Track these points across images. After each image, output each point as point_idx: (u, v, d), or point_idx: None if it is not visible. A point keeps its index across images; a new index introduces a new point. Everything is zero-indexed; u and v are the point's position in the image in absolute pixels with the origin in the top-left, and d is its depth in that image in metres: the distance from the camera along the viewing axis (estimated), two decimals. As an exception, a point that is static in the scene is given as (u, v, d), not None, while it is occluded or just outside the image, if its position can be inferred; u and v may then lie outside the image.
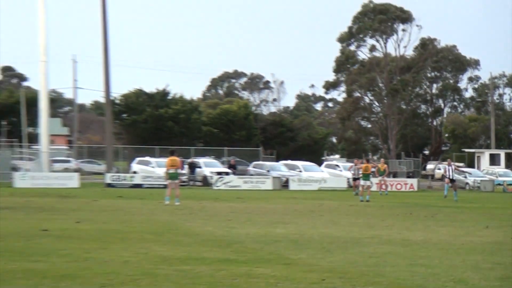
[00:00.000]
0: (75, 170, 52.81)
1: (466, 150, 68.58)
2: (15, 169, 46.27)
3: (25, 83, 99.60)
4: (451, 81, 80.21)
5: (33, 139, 59.68)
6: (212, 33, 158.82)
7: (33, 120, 61.49)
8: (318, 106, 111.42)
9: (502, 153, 63.19)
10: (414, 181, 50.64)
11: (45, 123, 47.58)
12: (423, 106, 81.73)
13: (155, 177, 45.87)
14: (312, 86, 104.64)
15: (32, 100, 60.91)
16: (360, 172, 34.26)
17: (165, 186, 33.23)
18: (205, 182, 48.13)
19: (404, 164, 66.63)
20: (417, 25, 73.34)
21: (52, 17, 54.93)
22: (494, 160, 58.61)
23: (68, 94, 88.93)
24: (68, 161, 60.80)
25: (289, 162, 54.16)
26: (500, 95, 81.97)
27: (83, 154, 65.76)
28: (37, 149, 49.11)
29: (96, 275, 10.55)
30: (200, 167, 49.89)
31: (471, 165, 60.43)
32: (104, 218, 21.51)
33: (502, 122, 77.65)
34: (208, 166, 50.36)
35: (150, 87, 72.84)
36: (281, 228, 18.99)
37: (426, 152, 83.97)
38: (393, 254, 13.63)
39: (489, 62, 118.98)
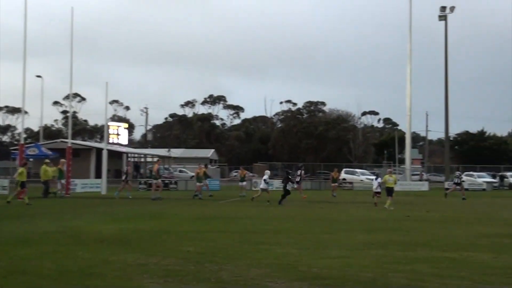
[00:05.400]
0: (425, 180, 71.93)
1: None
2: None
3: (397, 128, 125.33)
4: None
5: (402, 161, 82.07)
6: None
7: (401, 150, 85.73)
8: None
9: None
10: None
11: (408, 152, 65.93)
12: None
13: (476, 184, 61.23)
14: None
15: (401, 138, 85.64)
16: None
17: (483, 190, 52.08)
18: (510, 187, 64.39)
19: None
20: None
21: (414, 86, 70.88)
22: None
23: (422, 134, 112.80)
24: (419, 174, 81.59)
25: None
26: None
27: (430, 170, 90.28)
28: (403, 167, 66.76)
29: (439, 244, 14.01)
30: (507, 178, 66.93)
31: None
32: (443, 209, 28.53)
33: None
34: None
35: (472, 129, 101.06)
36: None
37: None
38: None
39: None
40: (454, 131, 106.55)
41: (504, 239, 15.33)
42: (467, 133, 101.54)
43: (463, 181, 44.06)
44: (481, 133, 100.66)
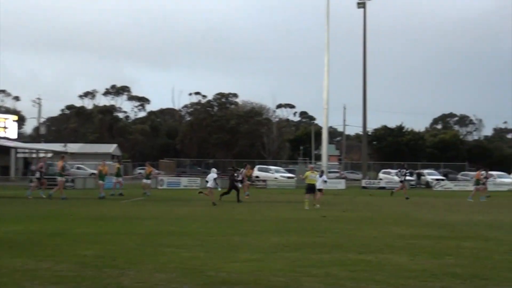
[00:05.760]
0: (343, 177, 72.88)
1: None
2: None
3: (314, 122, 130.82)
4: None
5: (318, 158, 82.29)
6: (433, 85, 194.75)
7: (318, 146, 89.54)
8: (509, 135, 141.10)
9: None
10: None
11: (325, 148, 66.28)
12: None
13: (394, 182, 61.18)
14: (505, 122, 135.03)
15: (318, 133, 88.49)
16: None
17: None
18: (427, 185, 66.17)
19: None
20: None
21: (332, 78, 71.82)
22: None
23: (339, 129, 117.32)
24: (337, 172, 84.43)
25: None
26: None
27: (348, 167, 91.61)
28: (320, 164, 64.13)
29: (355, 246, 14.44)
30: (424, 175, 69.17)
31: None
32: (360, 209, 29.35)
33: None
34: (430, 174, 69.21)
35: (391, 124, 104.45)
36: (479, 216, 25.11)
37: None
38: None
39: None
40: (372, 126, 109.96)
41: (420, 240, 15.87)
42: (385, 128, 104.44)
43: (406, 179, 45.54)
44: (400, 128, 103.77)
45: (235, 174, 35.01)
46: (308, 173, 30.40)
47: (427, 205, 33.80)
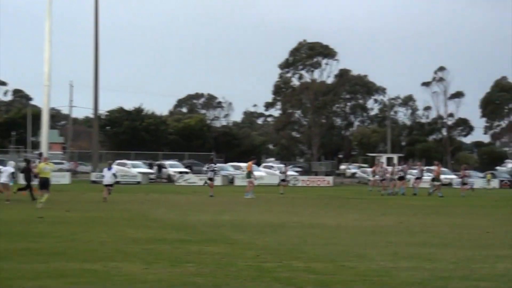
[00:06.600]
0: (67, 170, 71.69)
1: (370, 154, 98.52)
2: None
3: (31, 102, 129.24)
4: (361, 102, 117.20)
5: (36, 146, 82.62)
6: (178, 62, 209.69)
7: (36, 131, 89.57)
8: (259, 121, 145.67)
9: (395, 156, 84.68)
10: (330, 178, 71.71)
11: (45, 134, 59.52)
12: (338, 120, 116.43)
13: (130, 175, 65.04)
14: (255, 105, 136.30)
15: (36, 115, 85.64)
16: None
17: (138, 183, 60.43)
18: (170, 179, 68.24)
19: (323, 165, 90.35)
20: (337, 59, 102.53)
21: (55, 50, 57.55)
22: (389, 162, 73.95)
23: (64, 111, 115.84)
24: (62, 163, 79.48)
25: (235, 163, 74.22)
26: (396, 112, 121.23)
27: (74, 157, 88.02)
28: (38, 153, 59.49)
29: (79, 253, 14.44)
30: (165, 168, 71.17)
31: (372, 166, 73.50)
32: (88, 208, 29.13)
33: (396, 133, 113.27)
34: (172, 167, 71.13)
35: (128, 106, 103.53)
36: (226, 215, 26.34)
37: (340, 155, 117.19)
38: (312, 235, 19.07)
39: (391, 87, 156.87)
40: (106, 107, 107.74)
41: (158, 244, 16.22)
42: (121, 110, 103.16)
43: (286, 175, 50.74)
44: (139, 110, 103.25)
45: (30, 168, 34.86)
46: (41, 165, 31.06)
47: (168, 203, 34.76)
